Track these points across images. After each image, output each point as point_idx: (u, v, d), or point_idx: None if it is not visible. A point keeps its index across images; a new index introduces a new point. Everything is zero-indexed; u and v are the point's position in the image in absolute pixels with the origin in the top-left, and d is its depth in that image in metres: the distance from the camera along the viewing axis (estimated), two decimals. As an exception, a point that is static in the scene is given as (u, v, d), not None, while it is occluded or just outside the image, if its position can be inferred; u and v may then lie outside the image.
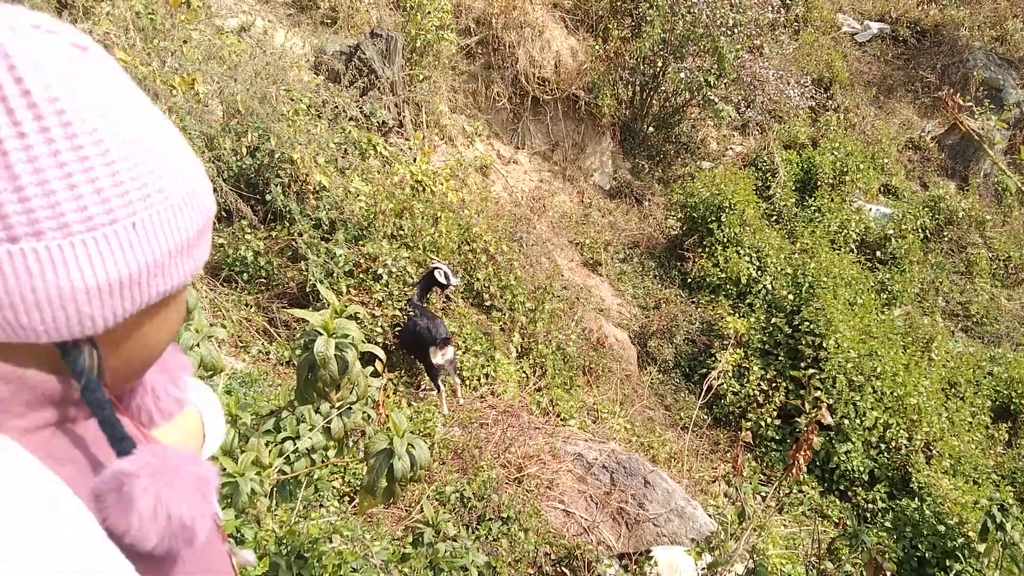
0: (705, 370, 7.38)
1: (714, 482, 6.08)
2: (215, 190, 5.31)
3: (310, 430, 2.88)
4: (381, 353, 2.57)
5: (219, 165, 5.37)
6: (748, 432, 6.23)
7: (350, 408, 2.81)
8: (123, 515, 0.63)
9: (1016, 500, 6.80)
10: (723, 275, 8.12)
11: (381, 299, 5.29)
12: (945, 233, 10.49)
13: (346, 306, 2.67)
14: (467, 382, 5.56)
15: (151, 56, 5.50)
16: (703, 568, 3.31)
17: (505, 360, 5.91)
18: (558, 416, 5.84)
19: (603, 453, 5.28)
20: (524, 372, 6.13)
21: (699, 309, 8.04)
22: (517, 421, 5.26)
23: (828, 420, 3.91)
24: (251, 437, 2.40)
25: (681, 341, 7.80)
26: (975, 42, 13.61)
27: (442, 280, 5.32)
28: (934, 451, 6.79)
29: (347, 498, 3.91)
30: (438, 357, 5.03)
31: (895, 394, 6.78)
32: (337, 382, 2.42)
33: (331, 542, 3.05)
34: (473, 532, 3.89)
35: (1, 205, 0.56)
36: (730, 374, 7.15)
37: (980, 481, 6.83)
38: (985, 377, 8.31)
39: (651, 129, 9.99)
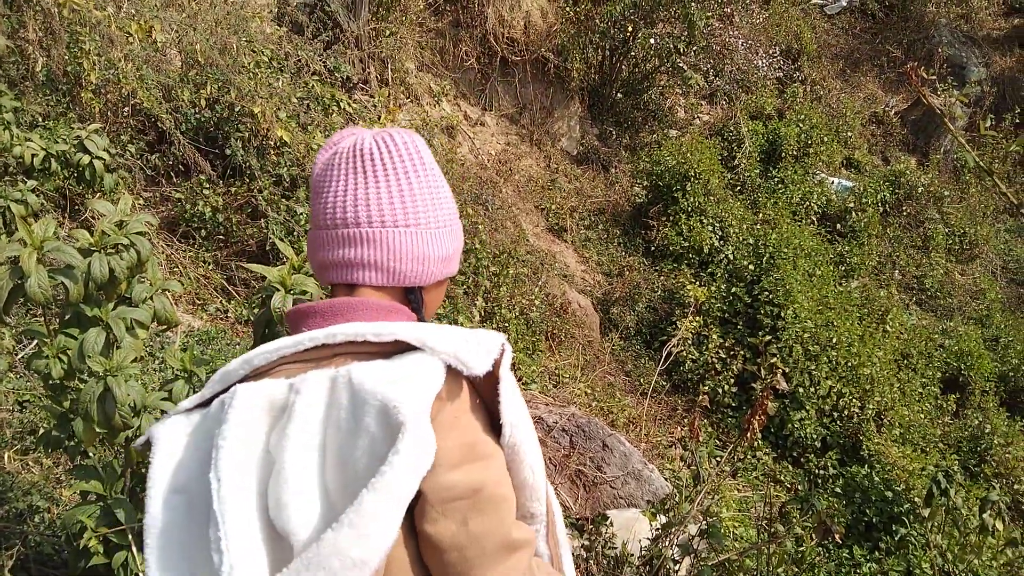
0: (665, 337, 7.45)
1: (671, 446, 6.19)
2: (171, 142, 5.17)
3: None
4: (341, 311, 2.53)
5: (177, 117, 5.22)
6: (705, 398, 6.33)
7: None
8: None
9: (961, 468, 7.06)
10: (686, 244, 8.17)
11: (344, 259, 5.22)
12: (904, 208, 10.66)
13: (305, 262, 2.62)
14: (429, 344, 5.54)
15: (106, 0, 5.29)
16: (657, 528, 3.36)
17: (468, 324, 5.89)
18: (520, 380, 5.86)
19: (563, 417, 5.32)
20: (487, 336, 6.12)
21: (662, 277, 8.10)
22: (478, 384, 5.27)
23: (783, 386, 3.99)
24: (206, 394, 2.36)
25: (643, 308, 7.86)
26: (941, 19, 13.74)
27: None
28: (885, 420, 6.97)
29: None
30: (401, 319, 4.99)
31: (849, 364, 6.93)
32: (295, 340, 2.38)
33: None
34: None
35: (405, 208, 1.11)
36: (690, 341, 7.23)
37: (927, 450, 7.05)
38: (936, 349, 8.54)
39: (620, 95, 9.92)
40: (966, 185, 11.53)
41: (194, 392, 2.37)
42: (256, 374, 1.04)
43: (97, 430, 1.89)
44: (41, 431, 2.95)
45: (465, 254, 6.27)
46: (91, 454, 2.29)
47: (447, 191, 1.19)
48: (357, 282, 1.11)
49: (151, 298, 2.21)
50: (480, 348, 1.03)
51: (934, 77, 11.60)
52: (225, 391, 1.04)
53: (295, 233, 5.23)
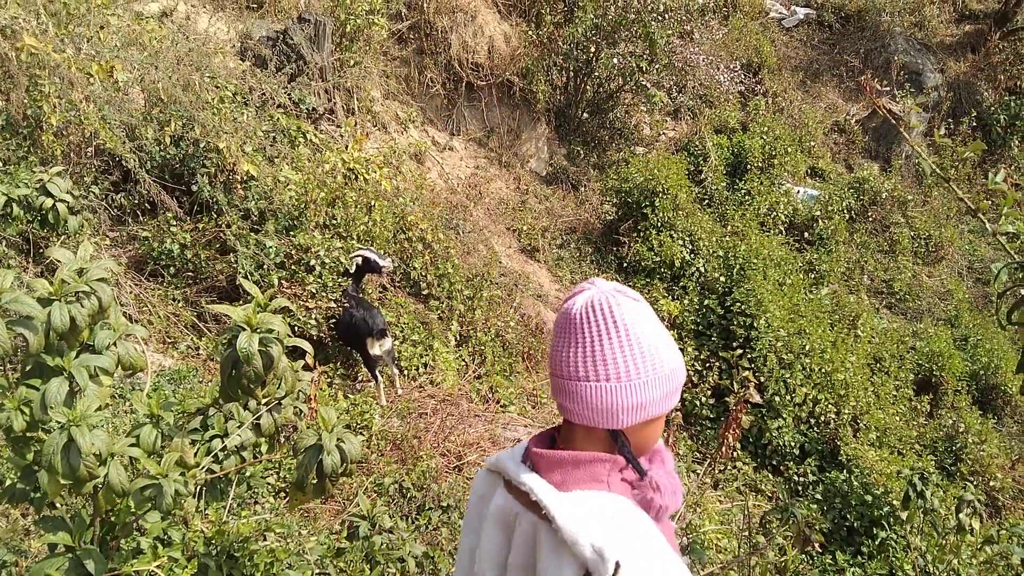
0: (642, 353, 7.49)
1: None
2: (137, 181, 5.14)
3: (239, 427, 2.81)
4: (308, 347, 2.53)
5: (141, 155, 5.19)
6: (678, 415, 6.35)
7: (280, 403, 2.76)
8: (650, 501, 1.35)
9: (937, 468, 7.14)
10: (657, 259, 8.25)
11: (315, 291, 5.21)
12: (870, 213, 10.85)
13: (272, 299, 2.62)
14: (405, 372, 5.53)
15: (65, 43, 5.27)
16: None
17: (444, 349, 5.89)
18: (498, 403, 5.86)
19: (542, 438, 5.31)
20: (463, 360, 6.12)
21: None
22: (456, 410, 5.26)
23: (756, 399, 4.03)
24: (175, 437, 2.34)
25: (618, 324, 7.90)
26: (896, 27, 14.07)
27: (378, 263, 5.26)
28: (861, 424, 7.05)
29: (283, 494, 3.85)
30: (375, 348, 4.98)
31: (823, 370, 7.01)
32: (262, 378, 2.37)
33: (264, 540, 3.00)
34: (412, 522, 3.88)
35: (596, 366, 1.31)
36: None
37: (904, 451, 7.13)
38: (908, 352, 8.66)
39: (585, 115, 10.04)
40: (929, 189, 11.76)
41: (161, 437, 2.36)
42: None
43: (62, 481, 1.87)
44: (7, 483, 2.90)
45: (438, 279, 6.28)
46: (58, 504, 2.27)
47: (646, 345, 1.32)
48: (572, 420, 1.38)
49: (115, 344, 2.20)
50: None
51: (888, 88, 11.87)
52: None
53: (265, 267, 5.21)
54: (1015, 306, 2.40)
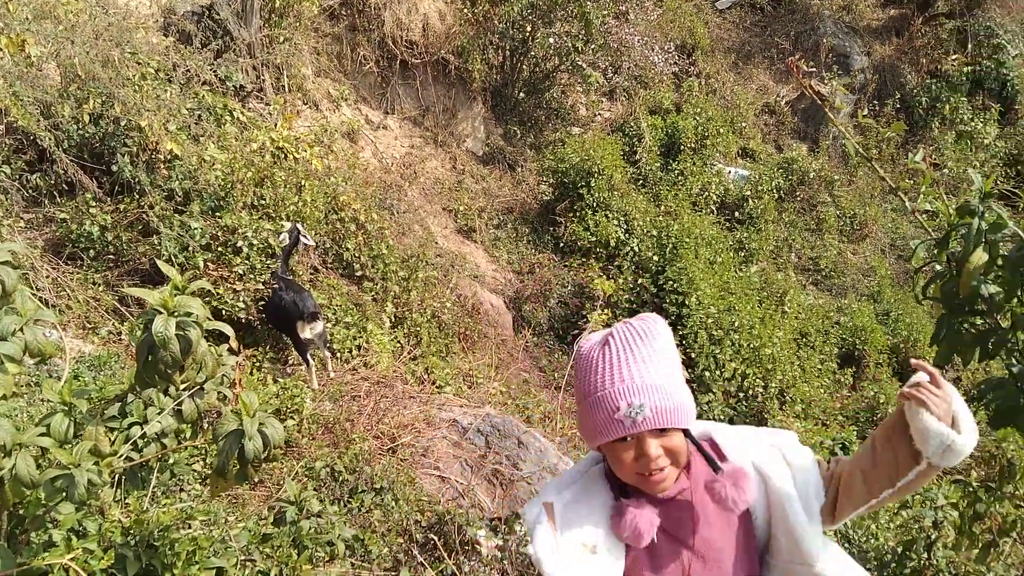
0: (577, 331, 7.59)
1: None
2: (53, 161, 4.94)
3: (159, 414, 2.75)
4: (229, 330, 2.49)
5: (57, 134, 4.98)
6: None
7: (202, 389, 2.71)
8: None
9: (859, 438, 7.44)
10: (593, 239, 8.34)
11: (243, 273, 5.11)
12: (798, 193, 11.15)
13: (192, 281, 2.56)
14: (338, 355, 5.47)
15: (-31, 14, 5.00)
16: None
17: (378, 331, 5.85)
18: (434, 384, 5.86)
19: (478, 417, 5.35)
20: (399, 342, 6.10)
21: (571, 272, 8.23)
22: (391, 392, 5.24)
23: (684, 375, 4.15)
24: (88, 425, 2.27)
25: (555, 304, 7.98)
26: (824, 11, 14.40)
27: (306, 241, 5.21)
28: (787, 397, 7.30)
29: (210, 481, 3.78)
30: (306, 331, 4.91)
31: (752, 346, 7.22)
32: (180, 363, 2.33)
33: (188, 528, 2.95)
34: (345, 506, 3.86)
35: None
36: (601, 334, 7.38)
37: (827, 422, 7.42)
38: (832, 326, 8.98)
39: (522, 95, 10.03)
40: (854, 169, 12.14)
41: (75, 425, 2.29)
42: None
43: (-36, 474, 1.81)
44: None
45: (372, 260, 6.22)
46: (-36, 498, 2.18)
47: (591, 375, 1.40)
48: None
49: (21, 330, 2.12)
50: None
51: (813, 69, 12.17)
52: None
53: (190, 249, 5.07)
54: (930, 281, 2.50)
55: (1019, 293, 2.18)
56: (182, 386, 2.56)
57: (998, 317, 2.20)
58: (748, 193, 10.09)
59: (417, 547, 3.36)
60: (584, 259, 8.37)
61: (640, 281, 7.71)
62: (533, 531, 1.44)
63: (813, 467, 1.51)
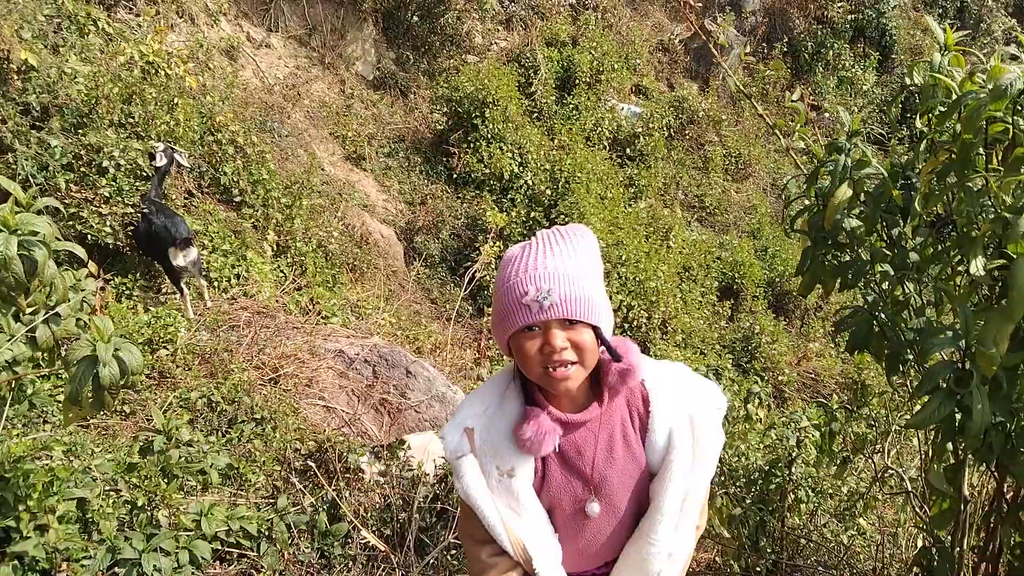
0: (469, 263, 7.57)
1: (476, 363, 6.34)
2: None
3: (9, 340, 2.54)
4: (81, 251, 2.31)
5: None
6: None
7: (57, 314, 2.52)
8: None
9: (734, 366, 7.86)
10: (487, 171, 8.26)
11: (109, 195, 4.76)
12: (687, 132, 11.39)
13: (35, 199, 2.35)
14: (216, 284, 5.24)
15: None
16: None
17: (259, 259, 5.62)
18: (319, 315, 5.72)
19: (365, 348, 5.28)
20: (281, 271, 5.89)
21: (464, 204, 8.15)
22: (272, 322, 5.07)
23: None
24: (-82, 351, 2.07)
25: (447, 236, 7.90)
26: (719, -49, 14.53)
27: (181, 161, 4.90)
28: (669, 327, 7.58)
29: (62, 408, 3.57)
30: (179, 258, 4.65)
31: (638, 279, 7.42)
32: (25, 285, 2.15)
33: (50, 459, 2.78)
34: (224, 436, 3.74)
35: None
36: (492, 266, 7.39)
37: (706, 351, 7.78)
38: (714, 261, 9.35)
39: (416, 18, 9.66)
40: (741, 109, 12.49)
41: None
42: None
43: None
44: None
45: (252, 185, 5.93)
46: None
47: (507, 269, 1.34)
48: None
49: None
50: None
51: (707, 10, 12.32)
52: None
53: (50, 168, 4.67)
54: (798, 214, 2.59)
55: (878, 227, 2.29)
56: (29, 311, 2.36)
57: (859, 250, 2.31)
58: (640, 130, 10.21)
59: (296, 474, 3.30)
60: (477, 191, 8.29)
61: (532, 215, 7.72)
62: (458, 466, 1.39)
63: (714, 455, 1.43)
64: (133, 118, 5.20)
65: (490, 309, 7.31)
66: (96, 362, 2.09)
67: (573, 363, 1.31)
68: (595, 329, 1.32)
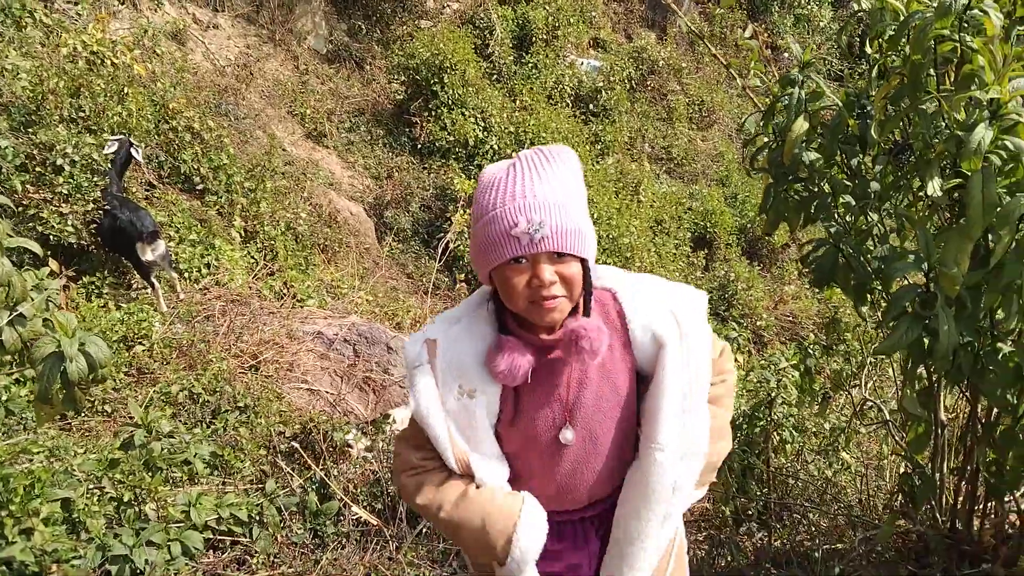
0: (442, 234, 7.52)
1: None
2: None
3: (-28, 346, 2.49)
4: (36, 247, 2.26)
5: None
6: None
7: (22, 315, 2.47)
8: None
9: (713, 315, 7.92)
10: (451, 138, 8.17)
11: (68, 193, 4.65)
12: (648, 82, 11.33)
13: (-16, 200, 2.30)
14: (186, 275, 5.17)
15: None
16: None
17: (228, 247, 5.55)
18: (294, 298, 5.67)
19: (344, 328, 5.26)
20: (252, 257, 5.82)
21: (431, 175, 8.08)
22: (248, 309, 5.03)
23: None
24: None
25: (417, 208, 7.84)
26: None
27: (135, 155, 4.80)
28: (646, 282, 7.61)
29: (34, 408, 3.53)
30: (147, 253, 4.57)
31: (610, 236, 7.42)
32: (-21, 287, 2.10)
33: (30, 463, 2.75)
34: (209, 427, 3.72)
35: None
36: (464, 235, 7.36)
37: (684, 302, 7.82)
38: (686, 212, 9.37)
39: (365, -13, 9.47)
40: (701, 56, 12.43)
41: None
42: None
43: None
44: None
45: (213, 171, 5.83)
46: None
47: (490, 193, 1.28)
48: None
49: None
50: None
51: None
52: None
53: (3, 170, 4.54)
54: (758, 152, 2.58)
55: (837, 159, 2.29)
56: (-10, 313, 2.32)
57: (820, 183, 2.31)
58: (601, 84, 10.14)
59: (283, 457, 3.29)
60: (443, 160, 8.21)
61: (500, 178, 7.67)
62: (414, 375, 1.34)
63: (705, 347, 1.39)
64: (83, 112, 5.08)
65: (456, 272, 7.29)
66: (62, 358, 2.06)
67: (561, 296, 1.27)
68: (583, 262, 1.29)
